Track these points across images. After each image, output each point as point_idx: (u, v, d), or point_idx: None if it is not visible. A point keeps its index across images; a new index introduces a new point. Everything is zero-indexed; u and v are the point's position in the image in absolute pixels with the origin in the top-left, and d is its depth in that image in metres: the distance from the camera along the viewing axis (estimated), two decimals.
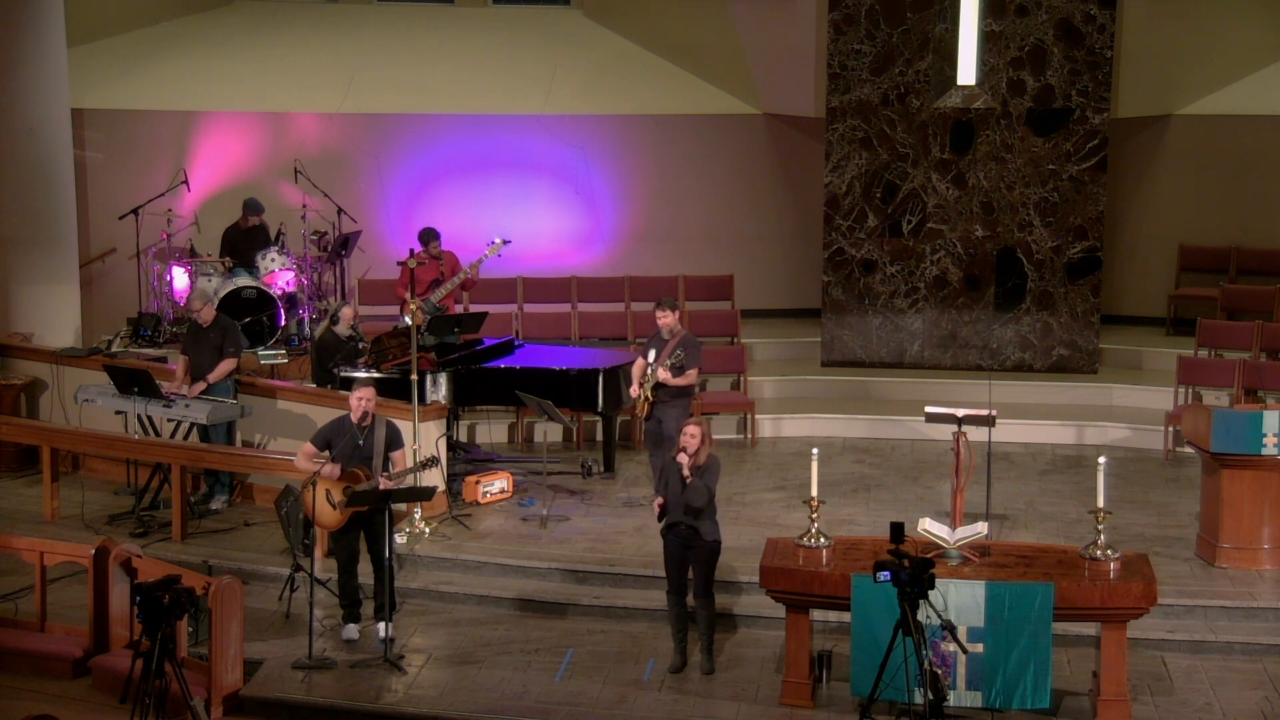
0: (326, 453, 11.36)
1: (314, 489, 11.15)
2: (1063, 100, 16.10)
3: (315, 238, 17.18)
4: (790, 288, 18.18)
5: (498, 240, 15.10)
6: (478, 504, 13.55)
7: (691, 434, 10.63)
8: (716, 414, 15.41)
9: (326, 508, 11.21)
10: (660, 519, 10.81)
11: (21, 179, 15.64)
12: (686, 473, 10.54)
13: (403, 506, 12.43)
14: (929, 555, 9.82)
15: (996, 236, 16.36)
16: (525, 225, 17.43)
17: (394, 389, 13.40)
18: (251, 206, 16.80)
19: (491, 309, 16.21)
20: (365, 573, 11.43)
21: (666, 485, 10.71)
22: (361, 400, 11.30)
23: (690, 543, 10.69)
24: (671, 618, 10.90)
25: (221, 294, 15.74)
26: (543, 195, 17.92)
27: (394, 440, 11.45)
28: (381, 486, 11.12)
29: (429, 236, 15.42)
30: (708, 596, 10.79)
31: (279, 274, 16.45)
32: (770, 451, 15.34)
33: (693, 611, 10.86)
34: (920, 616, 9.25)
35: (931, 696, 9.32)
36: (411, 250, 14.93)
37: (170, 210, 16.98)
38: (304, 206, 17.02)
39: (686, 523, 10.64)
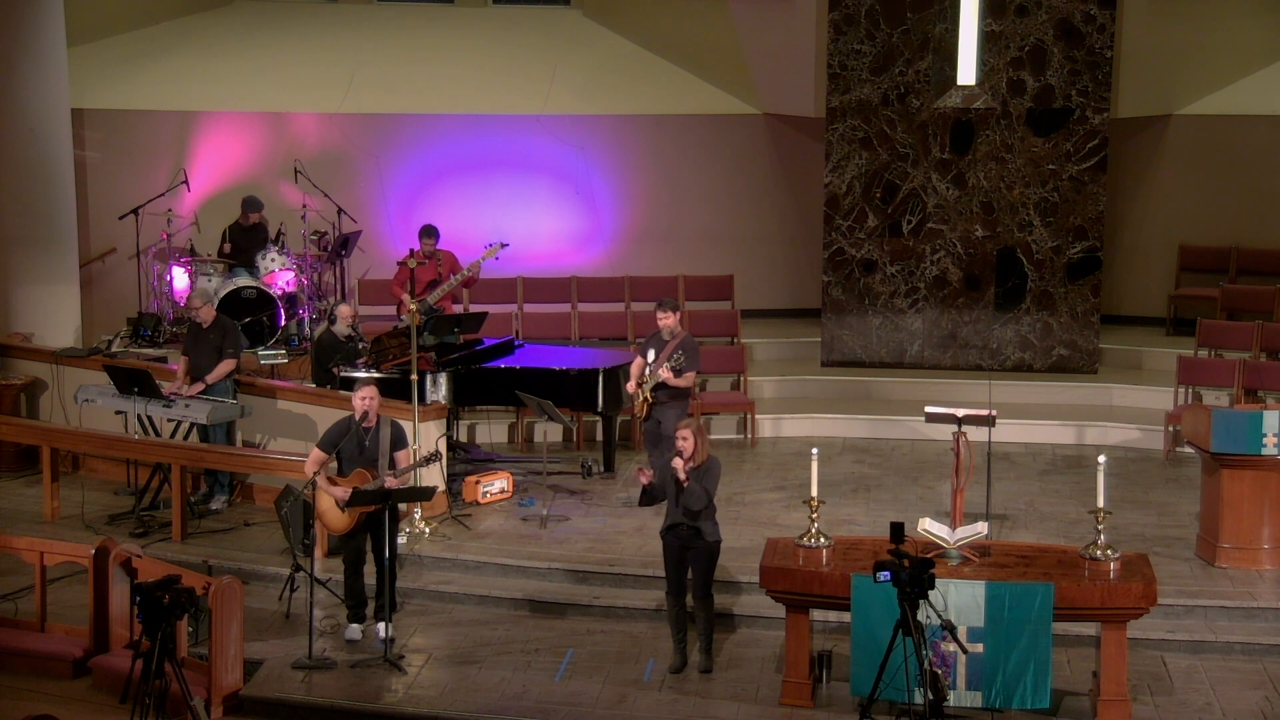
0: (334, 457, 11.35)
1: (314, 490, 11.15)
2: (1063, 100, 16.10)
3: (315, 238, 17.18)
4: (790, 288, 18.18)
5: (496, 243, 15.12)
6: (478, 504, 13.55)
7: (683, 437, 10.63)
8: (717, 414, 15.43)
9: (334, 511, 11.22)
10: (643, 501, 10.83)
11: (21, 179, 15.65)
12: (682, 476, 10.55)
13: (403, 506, 12.43)
14: (929, 555, 9.82)
15: (996, 236, 16.36)
16: (525, 225, 17.44)
17: (394, 389, 13.39)
18: (251, 204, 16.81)
19: (491, 309, 16.21)
20: (369, 573, 11.43)
21: (665, 487, 10.72)
22: (365, 400, 11.29)
23: (690, 543, 10.69)
24: (671, 618, 10.90)
25: (221, 294, 15.74)
26: (543, 195, 17.92)
27: (398, 440, 11.44)
28: (388, 485, 11.13)
29: (424, 234, 15.41)
30: (706, 597, 10.79)
31: (279, 274, 16.45)
32: (770, 451, 15.34)
33: (692, 612, 10.87)
34: (920, 616, 9.25)
35: (931, 696, 9.33)
36: (411, 250, 14.94)
37: (170, 210, 16.98)
38: (304, 206, 17.03)
39: (687, 523, 10.65)
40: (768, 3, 17.61)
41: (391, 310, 16.31)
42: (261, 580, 12.23)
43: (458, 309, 15.92)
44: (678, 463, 10.58)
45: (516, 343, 15.12)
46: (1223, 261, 17.41)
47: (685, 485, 10.55)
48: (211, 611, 10.46)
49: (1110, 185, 16.53)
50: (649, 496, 10.88)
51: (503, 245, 15.13)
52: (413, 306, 13.20)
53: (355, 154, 17.80)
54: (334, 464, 11.43)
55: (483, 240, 15.59)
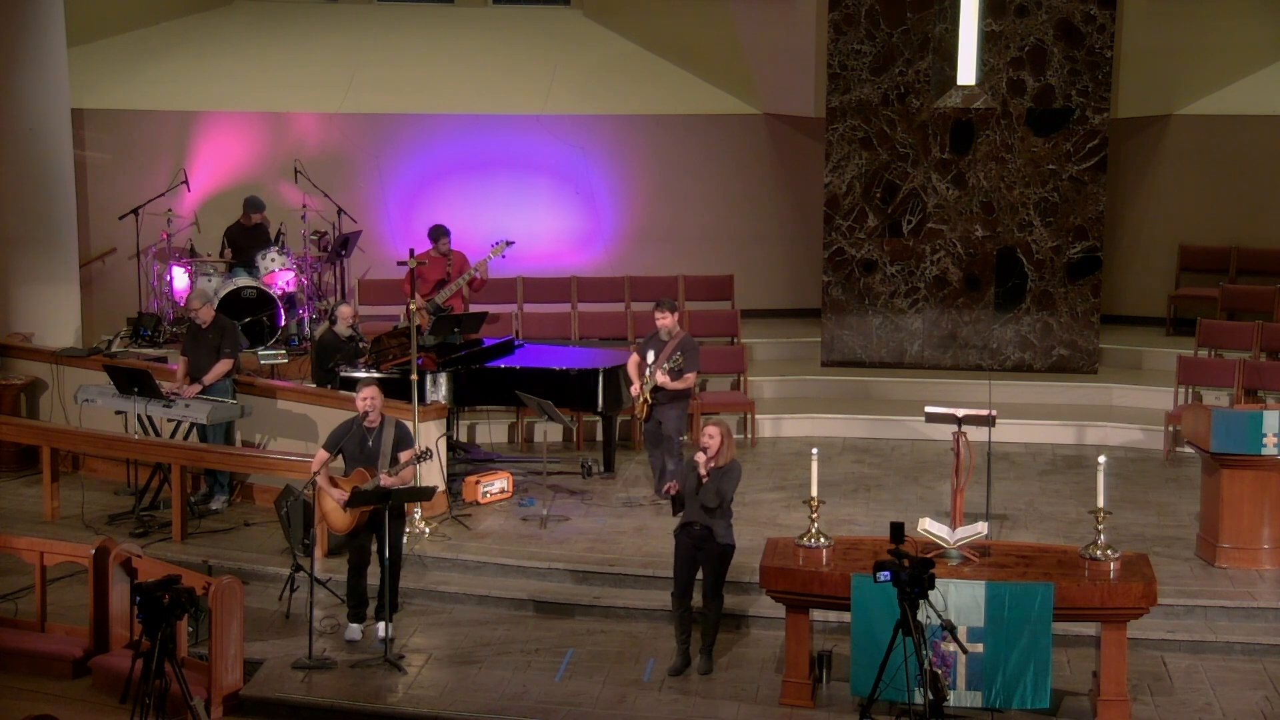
0: (339, 455, 11.36)
1: (315, 490, 11.15)
2: (1063, 100, 16.10)
3: (315, 238, 17.18)
4: (790, 288, 18.17)
5: (501, 241, 15.13)
6: (478, 504, 13.55)
7: (709, 434, 10.63)
8: (717, 414, 15.41)
9: (337, 510, 11.22)
10: (675, 509, 10.78)
11: (21, 179, 15.63)
12: (703, 471, 10.54)
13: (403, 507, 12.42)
14: (929, 555, 9.83)
15: (996, 236, 16.36)
16: (525, 225, 17.42)
17: (394, 389, 13.38)
18: (253, 204, 16.82)
19: (491, 309, 16.22)
20: (373, 574, 11.42)
21: (683, 481, 10.71)
22: (366, 400, 11.30)
23: (702, 544, 10.68)
24: (675, 619, 10.87)
25: (221, 294, 15.75)
26: (543, 195, 17.91)
27: (402, 441, 11.45)
28: (383, 483, 11.13)
29: (437, 234, 15.44)
30: (716, 598, 10.77)
31: (279, 274, 16.45)
32: (770, 451, 15.34)
33: (697, 612, 10.85)
34: (920, 616, 9.25)
35: (931, 696, 9.33)
36: (411, 250, 14.92)
37: (170, 210, 16.99)
38: (304, 206, 17.03)
39: (701, 523, 10.63)
40: (768, 3, 17.61)
41: (392, 310, 16.33)
42: (261, 580, 12.22)
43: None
44: (700, 457, 10.57)
45: (516, 343, 15.12)
46: (1223, 261, 17.41)
47: (703, 482, 10.54)
48: (211, 611, 10.46)
49: (1110, 185, 16.53)
50: (677, 505, 10.85)
51: (509, 243, 15.15)
52: (414, 306, 13.20)
53: (355, 154, 17.80)
54: (339, 463, 11.45)
55: (484, 240, 15.60)
